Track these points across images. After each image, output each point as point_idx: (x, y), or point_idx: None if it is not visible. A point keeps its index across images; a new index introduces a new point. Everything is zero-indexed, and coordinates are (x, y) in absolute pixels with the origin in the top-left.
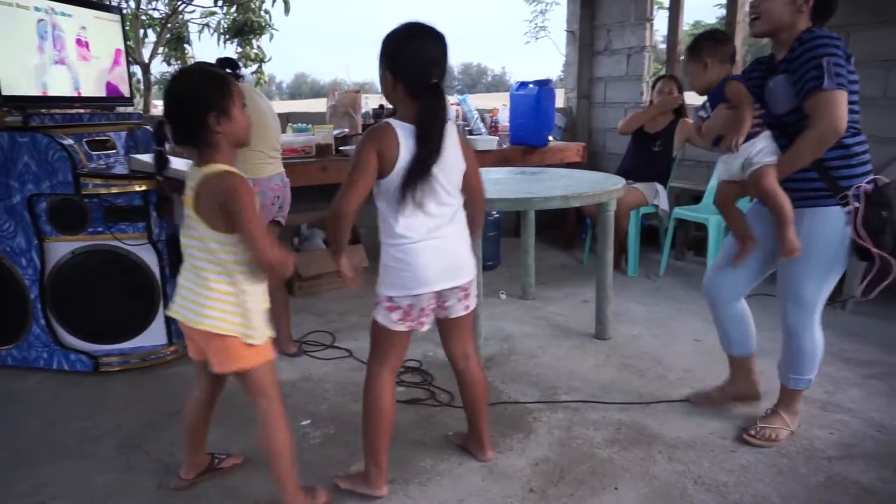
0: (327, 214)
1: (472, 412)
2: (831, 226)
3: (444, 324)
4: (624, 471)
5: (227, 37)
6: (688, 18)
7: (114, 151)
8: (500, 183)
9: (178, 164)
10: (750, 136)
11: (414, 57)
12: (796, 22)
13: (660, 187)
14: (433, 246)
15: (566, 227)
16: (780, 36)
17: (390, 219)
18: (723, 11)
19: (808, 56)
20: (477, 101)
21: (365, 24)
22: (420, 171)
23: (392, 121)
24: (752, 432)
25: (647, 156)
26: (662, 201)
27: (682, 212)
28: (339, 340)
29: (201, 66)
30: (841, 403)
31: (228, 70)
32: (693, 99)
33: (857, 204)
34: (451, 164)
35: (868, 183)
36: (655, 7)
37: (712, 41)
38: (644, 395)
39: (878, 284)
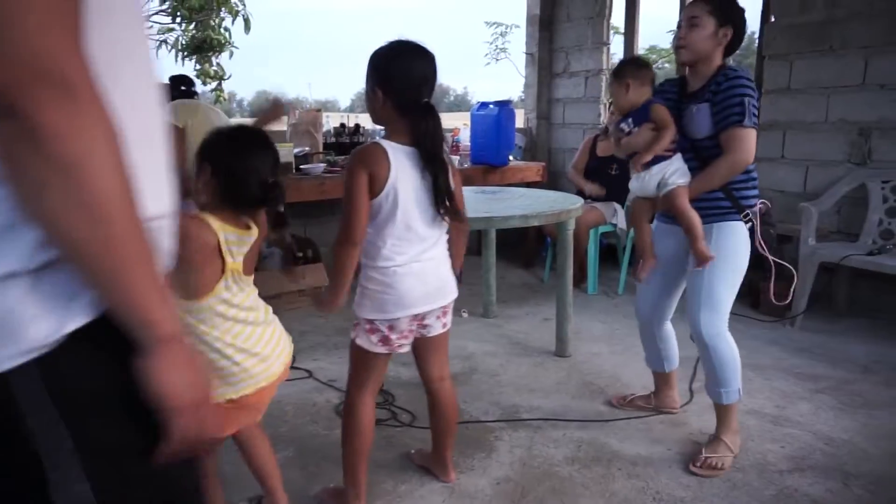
0: (335, 247)
1: (439, 434)
2: (736, 237)
3: (421, 343)
4: (584, 489)
5: (185, 54)
6: (643, 43)
7: None
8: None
9: None
10: (662, 158)
11: (405, 73)
12: (714, 54)
13: (618, 207)
14: (417, 270)
15: (527, 246)
16: (698, 66)
17: (377, 241)
18: None
19: (732, 92)
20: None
21: (328, 42)
22: (436, 193)
23: (381, 140)
24: (698, 464)
25: (605, 178)
26: (621, 220)
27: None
28: (298, 361)
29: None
30: (791, 417)
31: (182, 87)
32: None
33: (754, 221)
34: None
35: (760, 204)
36: (612, 31)
37: (634, 66)
38: (604, 413)
39: (787, 289)
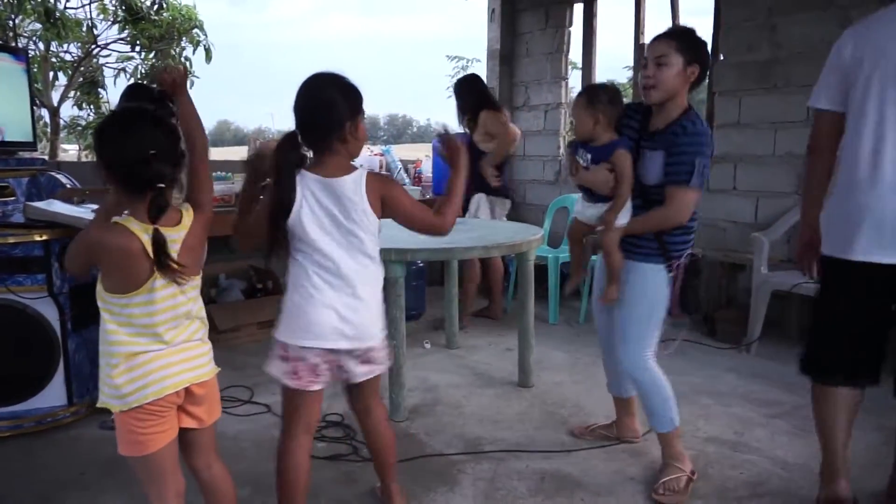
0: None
1: (378, 466)
2: (654, 280)
3: (346, 384)
4: None
5: (145, 83)
6: (600, 78)
7: (12, 199)
8: None
9: (59, 207)
10: (608, 197)
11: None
12: (682, 91)
13: (481, 197)
14: (333, 300)
15: (488, 276)
16: (665, 104)
17: (302, 262)
18: (631, 73)
19: (686, 149)
20: (402, 152)
21: (292, 74)
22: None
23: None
24: (660, 490)
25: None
26: (483, 211)
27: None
28: (257, 395)
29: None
30: (749, 443)
31: (170, 103)
32: None
33: (677, 272)
34: (357, 215)
35: (688, 255)
36: (570, 67)
37: (609, 101)
38: (566, 443)
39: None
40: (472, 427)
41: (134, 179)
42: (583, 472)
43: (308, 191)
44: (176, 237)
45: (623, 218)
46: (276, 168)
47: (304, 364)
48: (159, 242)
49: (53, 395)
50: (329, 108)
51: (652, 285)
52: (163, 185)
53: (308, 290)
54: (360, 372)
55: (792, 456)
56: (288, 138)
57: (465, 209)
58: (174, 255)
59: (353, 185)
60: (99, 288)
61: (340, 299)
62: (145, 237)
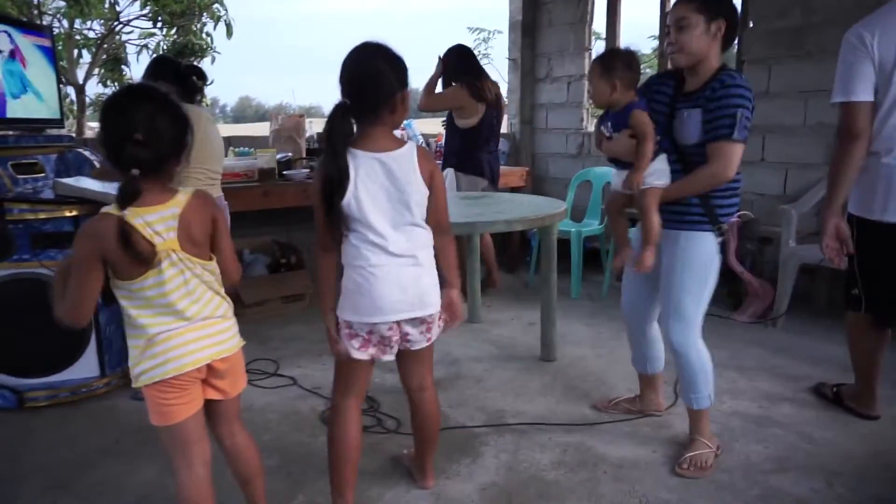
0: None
1: (420, 443)
2: (704, 248)
3: (403, 354)
4: (570, 492)
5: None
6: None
7: (42, 175)
8: None
9: (87, 183)
10: None
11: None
12: (711, 52)
13: (449, 171)
14: (392, 274)
15: (511, 250)
16: (697, 67)
17: (353, 242)
18: (656, 42)
19: (726, 102)
20: (424, 126)
21: (312, 48)
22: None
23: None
24: (685, 465)
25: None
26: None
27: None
28: (282, 368)
29: (384, 45)
30: (774, 417)
31: (195, 77)
32: None
33: (729, 236)
34: (411, 189)
35: (737, 216)
36: (593, 37)
37: (627, 67)
38: (589, 416)
39: (761, 307)
40: (494, 400)
41: (114, 160)
42: (605, 445)
43: (361, 168)
44: (166, 214)
45: (659, 179)
46: (328, 142)
47: (376, 337)
48: (124, 232)
49: (87, 366)
50: (381, 77)
51: (702, 254)
52: (136, 172)
53: (367, 270)
54: (426, 340)
55: (819, 431)
56: (339, 110)
57: None
58: (165, 233)
59: (407, 159)
60: (112, 279)
61: (401, 271)
62: (138, 221)
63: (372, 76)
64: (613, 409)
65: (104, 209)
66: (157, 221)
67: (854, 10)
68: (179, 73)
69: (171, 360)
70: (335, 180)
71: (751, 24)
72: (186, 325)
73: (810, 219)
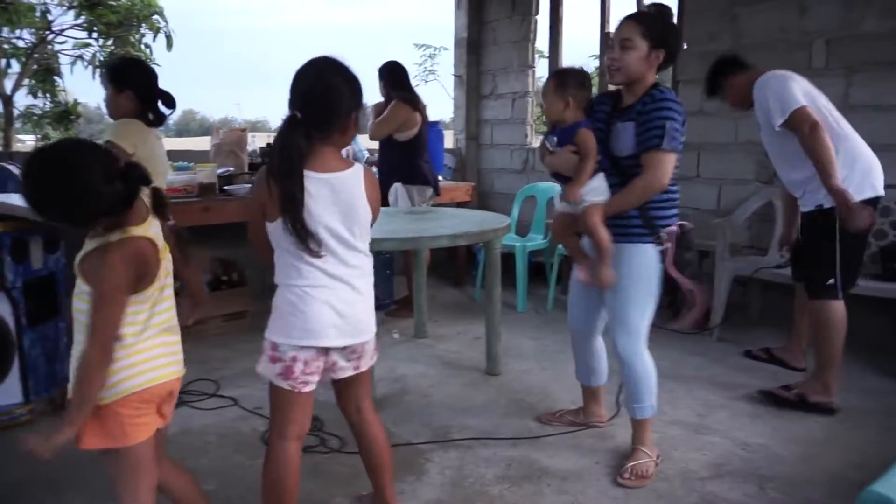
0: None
1: (371, 470)
2: (647, 260)
3: (335, 381)
4: None
5: (103, 70)
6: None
7: None
8: (391, 222)
9: (15, 199)
10: None
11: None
12: (647, 74)
13: (398, 186)
14: (329, 296)
15: (457, 265)
16: (632, 85)
17: (291, 259)
18: (597, 62)
19: (656, 115)
20: (369, 142)
21: (259, 62)
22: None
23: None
24: (626, 475)
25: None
26: (402, 200)
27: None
28: (223, 389)
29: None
30: (710, 425)
31: (163, 103)
32: None
33: (668, 244)
34: (356, 209)
35: (675, 226)
36: (536, 55)
37: (580, 85)
38: (533, 430)
39: (698, 314)
40: (439, 416)
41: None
42: (549, 457)
43: (311, 187)
44: (153, 228)
45: (598, 196)
46: (283, 158)
47: (298, 364)
48: (154, 245)
49: (9, 392)
50: (338, 95)
51: (645, 266)
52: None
53: (303, 289)
54: (353, 368)
55: (752, 437)
56: (291, 123)
57: (384, 200)
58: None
59: (354, 181)
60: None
61: (337, 295)
62: (151, 231)
63: (328, 93)
64: (557, 422)
65: (120, 235)
66: (156, 235)
67: (778, 34)
68: (150, 93)
69: (146, 372)
70: (294, 198)
71: (685, 46)
72: (158, 340)
73: (742, 232)
